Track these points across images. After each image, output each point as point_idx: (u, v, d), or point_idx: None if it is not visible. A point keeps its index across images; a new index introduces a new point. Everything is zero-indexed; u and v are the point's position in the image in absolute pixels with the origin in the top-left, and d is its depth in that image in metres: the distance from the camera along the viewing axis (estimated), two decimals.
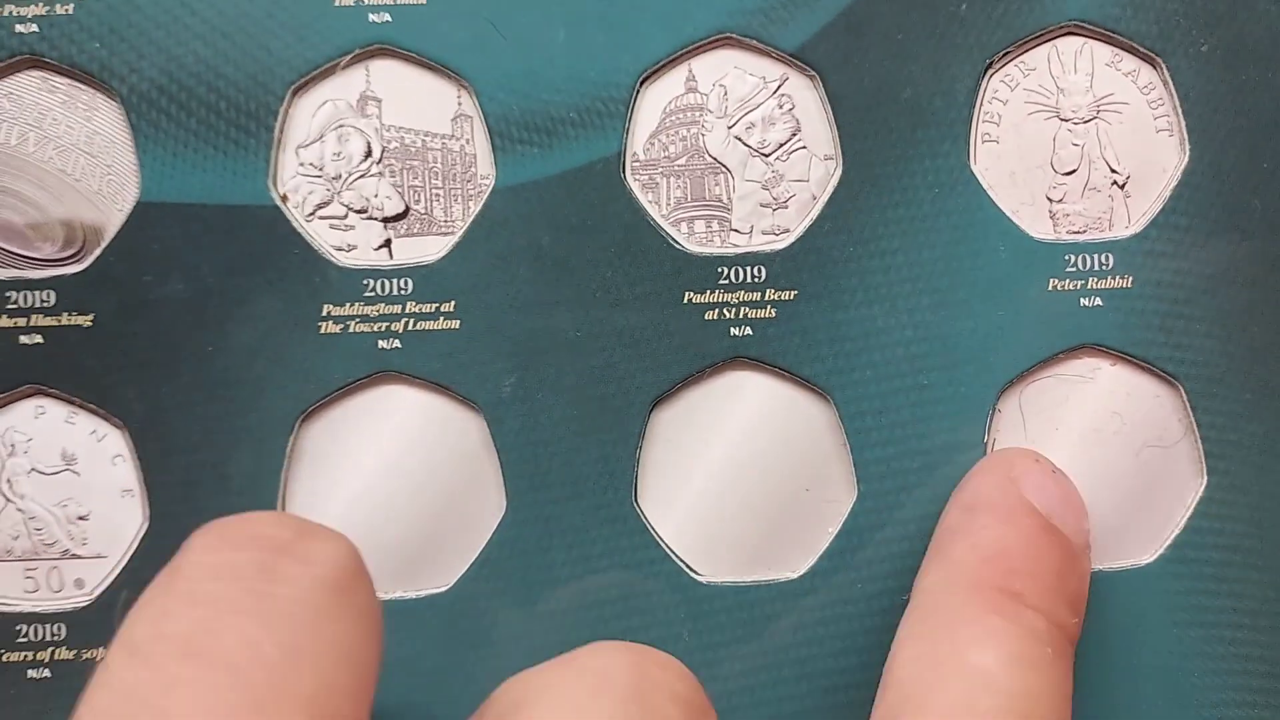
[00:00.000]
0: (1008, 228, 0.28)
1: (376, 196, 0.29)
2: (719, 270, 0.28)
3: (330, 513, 0.28)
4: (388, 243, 0.29)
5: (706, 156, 0.29)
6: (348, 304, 0.28)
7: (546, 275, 0.28)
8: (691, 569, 0.28)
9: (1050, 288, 0.28)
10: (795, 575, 0.28)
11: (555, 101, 0.28)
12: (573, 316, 0.28)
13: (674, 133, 0.29)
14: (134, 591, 0.28)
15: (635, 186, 0.29)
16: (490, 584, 0.28)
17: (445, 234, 0.29)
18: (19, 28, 0.28)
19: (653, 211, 0.29)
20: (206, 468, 0.28)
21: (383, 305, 0.28)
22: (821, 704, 0.28)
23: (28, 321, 0.28)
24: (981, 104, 0.29)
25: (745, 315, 0.28)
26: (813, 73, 0.29)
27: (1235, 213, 0.28)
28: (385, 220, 0.29)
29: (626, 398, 0.28)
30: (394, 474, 0.28)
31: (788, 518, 0.28)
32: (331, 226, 0.29)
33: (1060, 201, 0.29)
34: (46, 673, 0.27)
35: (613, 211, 0.28)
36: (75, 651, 0.28)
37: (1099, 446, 0.28)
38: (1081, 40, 0.29)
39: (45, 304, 0.28)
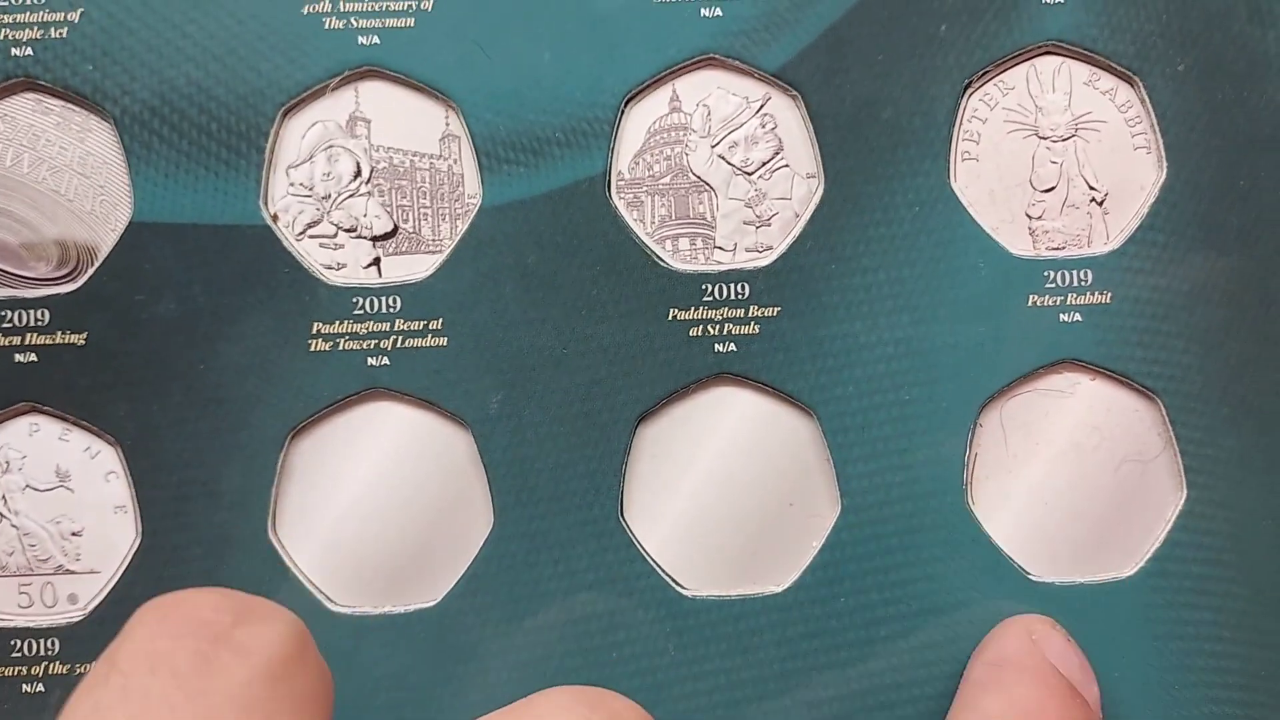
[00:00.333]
0: (988, 245, 0.29)
1: (365, 215, 0.29)
2: (703, 287, 0.29)
3: (319, 528, 0.28)
4: (376, 261, 0.29)
5: (690, 175, 0.29)
6: (337, 322, 0.29)
7: (533, 293, 0.29)
8: (677, 583, 0.28)
9: (1030, 303, 0.29)
10: (779, 589, 0.28)
11: (541, 122, 0.29)
12: (559, 333, 0.29)
13: (658, 152, 0.29)
14: (126, 607, 0.28)
15: (620, 205, 0.29)
16: (477, 599, 0.28)
17: (433, 252, 0.29)
18: (14, 51, 0.29)
19: (638, 230, 0.29)
20: (198, 484, 0.28)
21: (371, 323, 0.29)
22: (805, 717, 0.28)
23: (22, 340, 0.28)
24: (961, 123, 0.29)
25: (729, 332, 0.29)
26: (795, 92, 0.29)
27: (1212, 230, 0.29)
28: (374, 239, 0.29)
29: (612, 413, 0.29)
30: (383, 489, 0.28)
31: (772, 532, 0.29)
32: (321, 245, 0.29)
33: (1039, 219, 0.29)
34: (40, 687, 0.28)
35: (598, 230, 0.29)
36: (69, 666, 0.28)
37: (1079, 461, 0.29)
38: (1060, 59, 0.30)
39: (39, 323, 0.28)
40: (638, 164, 0.29)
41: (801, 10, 0.29)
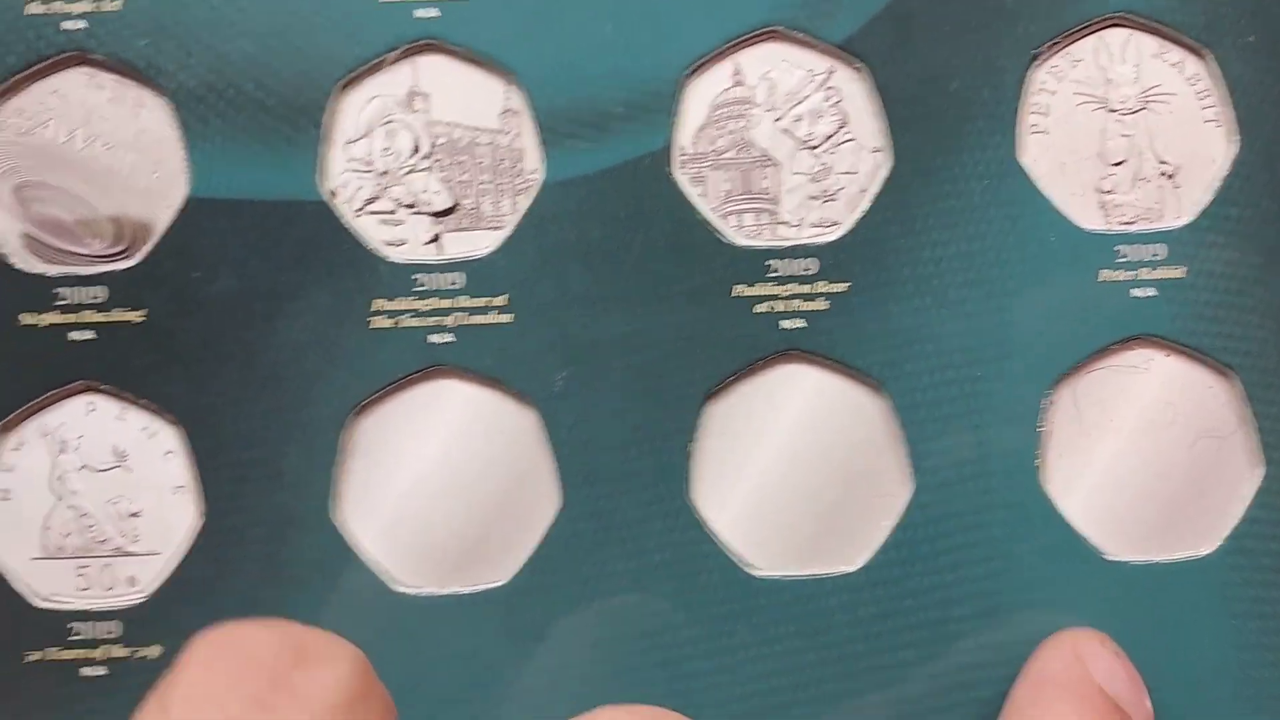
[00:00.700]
0: (1058, 219, 0.28)
1: (425, 191, 0.29)
2: (768, 263, 0.28)
3: (383, 508, 0.28)
4: (436, 238, 0.29)
5: (754, 150, 0.29)
6: (398, 299, 0.28)
7: (596, 270, 0.28)
8: (746, 563, 0.28)
9: (1102, 278, 0.28)
10: (851, 569, 0.28)
11: (603, 95, 0.28)
12: (623, 311, 0.28)
13: (721, 126, 0.29)
14: (186, 589, 0.28)
15: (683, 180, 0.29)
16: (546, 579, 0.28)
17: (494, 228, 0.29)
18: (66, 25, 0.28)
19: (701, 205, 0.29)
20: (258, 463, 0.28)
21: (434, 300, 0.28)
22: (879, 698, 0.27)
23: (78, 318, 0.28)
24: (1029, 95, 0.29)
25: (796, 308, 0.28)
26: (860, 65, 0.29)
27: None
28: (434, 215, 0.29)
29: (678, 391, 0.28)
30: (447, 469, 0.28)
31: (842, 511, 0.28)
32: (381, 222, 0.29)
33: (1110, 192, 0.29)
34: (102, 670, 0.27)
35: (661, 206, 0.28)
36: (130, 649, 0.27)
37: (1154, 438, 0.28)
38: (1128, 31, 0.29)
39: (96, 300, 0.28)
40: (700, 139, 0.29)
41: None
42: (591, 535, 0.28)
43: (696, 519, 0.28)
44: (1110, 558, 0.28)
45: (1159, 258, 0.28)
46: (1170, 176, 0.29)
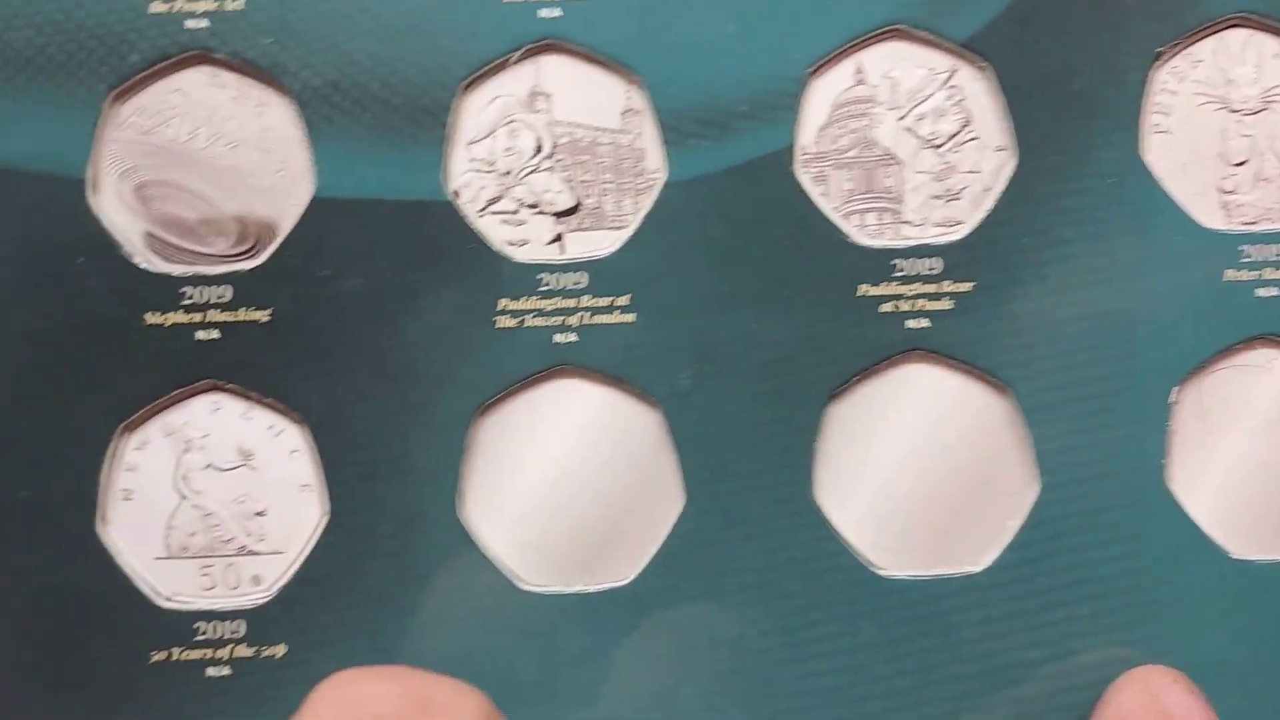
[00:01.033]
0: (1182, 218, 0.28)
1: (547, 191, 0.29)
2: (892, 263, 0.28)
3: (508, 506, 0.28)
4: (559, 237, 0.29)
5: (877, 149, 0.29)
6: (523, 298, 0.28)
7: (720, 269, 0.28)
8: (871, 563, 0.28)
9: (1226, 278, 0.28)
10: (978, 569, 0.28)
11: (725, 95, 0.28)
12: (747, 310, 0.28)
13: (843, 125, 0.29)
14: (312, 588, 0.28)
15: (805, 179, 0.29)
16: (671, 577, 0.28)
17: (615, 228, 0.29)
18: (189, 24, 0.28)
19: (823, 204, 0.29)
20: (385, 461, 0.28)
21: (558, 299, 0.28)
22: (1004, 697, 0.27)
23: (204, 317, 0.28)
24: (1151, 95, 0.29)
25: (921, 307, 0.28)
26: (984, 64, 0.29)
27: None
28: (556, 215, 0.29)
29: (802, 391, 0.28)
30: (572, 467, 0.28)
31: (968, 511, 0.28)
32: (503, 221, 0.29)
33: (1232, 193, 0.29)
34: (226, 670, 0.27)
35: (784, 205, 0.28)
36: (255, 649, 0.27)
37: (1277, 437, 0.28)
38: (1248, 32, 0.29)
39: (221, 300, 0.28)
40: (822, 137, 0.29)
41: None
42: (716, 534, 0.28)
43: (821, 518, 0.28)
44: (1236, 556, 0.28)
45: None
46: None
